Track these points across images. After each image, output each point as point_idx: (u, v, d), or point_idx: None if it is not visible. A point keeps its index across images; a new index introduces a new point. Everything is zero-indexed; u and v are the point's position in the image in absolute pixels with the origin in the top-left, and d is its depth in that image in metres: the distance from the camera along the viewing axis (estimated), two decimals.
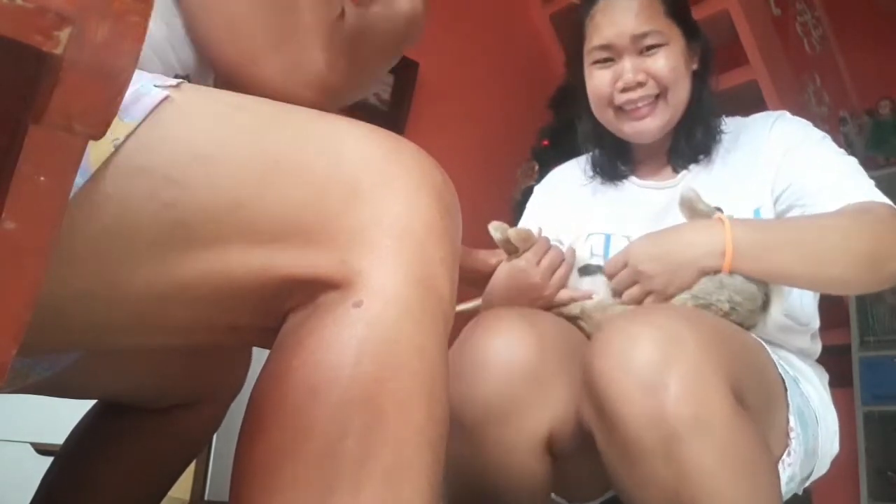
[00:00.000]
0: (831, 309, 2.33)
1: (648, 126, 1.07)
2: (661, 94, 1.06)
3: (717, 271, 0.90)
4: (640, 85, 1.05)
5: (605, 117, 1.11)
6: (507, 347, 0.83)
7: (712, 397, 0.70)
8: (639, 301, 0.94)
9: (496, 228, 0.99)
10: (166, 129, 0.44)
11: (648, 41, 1.04)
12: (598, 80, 1.09)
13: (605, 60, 1.07)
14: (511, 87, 2.75)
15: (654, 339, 0.72)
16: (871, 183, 0.99)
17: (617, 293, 0.96)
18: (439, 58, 2.54)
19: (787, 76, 2.51)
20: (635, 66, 1.05)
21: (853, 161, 1.03)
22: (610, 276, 0.97)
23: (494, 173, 2.55)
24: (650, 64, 1.05)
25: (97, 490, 0.80)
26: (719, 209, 1.00)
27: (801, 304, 1.03)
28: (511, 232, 0.98)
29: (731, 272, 0.90)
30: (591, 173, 1.20)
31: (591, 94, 1.10)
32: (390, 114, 2.43)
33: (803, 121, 1.10)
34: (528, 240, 0.99)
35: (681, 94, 1.07)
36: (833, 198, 0.95)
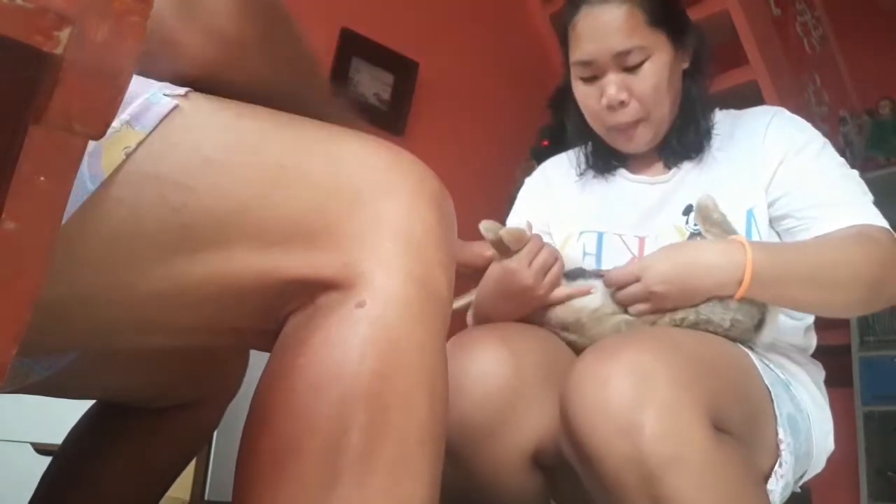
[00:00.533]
0: None
1: (637, 144, 1.09)
2: (640, 119, 1.06)
3: (730, 297, 0.90)
4: (623, 105, 1.04)
5: (598, 130, 1.12)
6: (481, 370, 0.84)
7: (689, 433, 0.70)
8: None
9: (488, 229, 0.96)
10: (177, 136, 0.45)
11: (631, 59, 1.02)
12: (585, 98, 1.09)
13: (590, 77, 1.07)
14: (511, 87, 2.75)
15: (627, 379, 0.72)
16: (870, 199, 0.99)
17: (622, 304, 0.94)
18: (439, 58, 2.54)
19: (787, 76, 2.50)
20: (618, 83, 1.03)
21: (854, 174, 1.02)
22: (614, 285, 0.95)
23: (494, 173, 2.55)
24: (633, 82, 1.03)
25: (96, 490, 0.80)
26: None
27: None
28: (503, 232, 0.95)
29: (745, 296, 0.90)
30: (581, 168, 1.19)
31: (582, 108, 1.11)
32: (390, 114, 2.43)
33: (801, 121, 1.09)
34: (521, 239, 0.96)
35: (664, 110, 1.06)
36: (833, 216, 0.96)
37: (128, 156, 0.42)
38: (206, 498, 1.59)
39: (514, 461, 0.84)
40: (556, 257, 0.97)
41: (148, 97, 0.45)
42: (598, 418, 0.72)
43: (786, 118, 1.08)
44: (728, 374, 0.85)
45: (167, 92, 0.47)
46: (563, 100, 1.19)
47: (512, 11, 2.86)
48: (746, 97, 1.21)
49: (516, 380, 0.84)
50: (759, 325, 0.93)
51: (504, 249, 0.96)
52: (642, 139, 1.08)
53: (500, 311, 0.99)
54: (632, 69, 1.03)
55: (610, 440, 0.70)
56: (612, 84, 1.03)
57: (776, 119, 1.07)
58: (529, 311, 0.98)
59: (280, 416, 0.43)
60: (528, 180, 1.28)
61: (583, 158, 1.20)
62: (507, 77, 2.75)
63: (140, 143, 0.43)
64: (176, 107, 0.46)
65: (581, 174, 1.19)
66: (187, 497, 1.57)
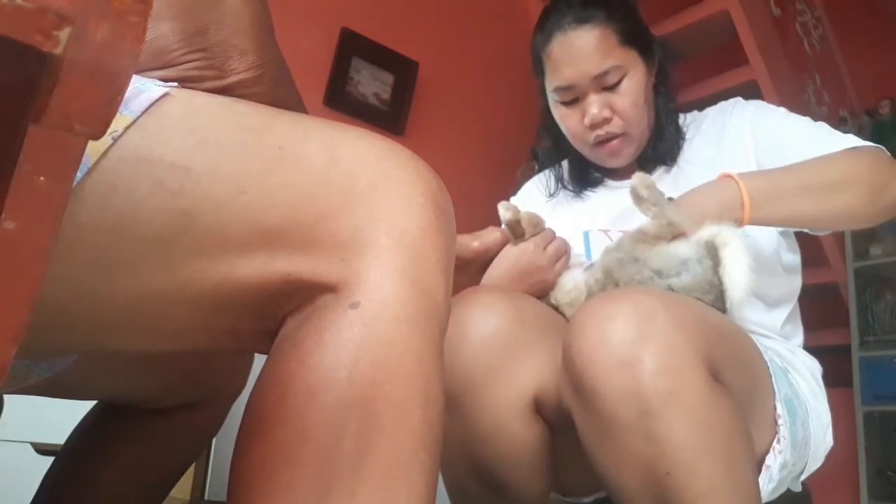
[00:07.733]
0: (831, 309, 2.33)
1: (622, 158, 1.13)
2: (624, 133, 1.10)
3: (738, 223, 0.92)
4: (606, 121, 1.09)
5: (582, 150, 1.16)
6: (483, 317, 0.87)
7: (686, 372, 0.72)
8: None
9: (507, 208, 1.02)
10: (171, 119, 0.44)
11: (610, 79, 1.07)
12: (568, 122, 1.13)
13: (571, 101, 1.11)
14: (511, 87, 2.75)
15: (630, 316, 0.74)
16: (848, 135, 1.03)
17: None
18: (439, 58, 2.54)
19: (787, 76, 2.50)
20: (600, 102, 1.08)
21: (822, 123, 1.07)
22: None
23: (494, 173, 2.55)
24: (614, 100, 1.08)
25: (98, 490, 0.80)
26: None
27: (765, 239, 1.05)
28: (524, 214, 1.01)
29: (752, 222, 0.92)
30: (552, 189, 1.24)
31: (566, 132, 1.15)
32: (390, 114, 2.43)
33: (759, 101, 1.15)
34: (538, 225, 1.02)
35: (643, 124, 1.11)
36: (817, 153, 0.99)
37: (115, 140, 0.41)
38: (205, 498, 1.59)
39: (515, 404, 0.85)
40: (567, 248, 1.03)
41: (138, 86, 0.45)
42: (599, 353, 0.73)
43: (743, 103, 1.15)
44: (728, 337, 0.86)
45: (159, 83, 0.46)
46: None
47: (512, 11, 2.86)
48: (746, 97, 1.22)
49: (517, 325, 0.87)
50: (721, 296, 0.91)
51: (519, 232, 1.02)
52: (627, 153, 1.12)
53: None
54: (611, 88, 1.08)
55: (610, 374, 0.72)
56: (595, 104, 1.08)
57: (738, 104, 1.14)
58: (539, 293, 1.01)
59: (272, 422, 0.42)
60: (513, 199, 1.32)
61: (553, 180, 1.24)
62: (508, 77, 2.75)
63: (128, 128, 0.42)
64: (167, 94, 0.45)
65: (552, 195, 1.23)
66: (187, 497, 1.57)
